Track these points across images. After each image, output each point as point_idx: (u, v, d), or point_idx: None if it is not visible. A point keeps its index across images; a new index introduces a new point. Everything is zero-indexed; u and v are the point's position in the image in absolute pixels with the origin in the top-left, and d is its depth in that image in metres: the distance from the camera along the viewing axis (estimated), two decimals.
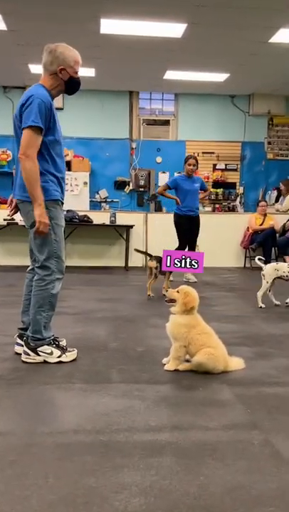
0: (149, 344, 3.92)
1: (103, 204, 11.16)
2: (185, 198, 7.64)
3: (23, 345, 3.46)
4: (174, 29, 7.75)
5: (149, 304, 5.81)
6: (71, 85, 3.44)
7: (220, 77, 10.19)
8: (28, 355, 3.38)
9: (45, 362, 3.35)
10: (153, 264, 6.11)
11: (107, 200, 11.26)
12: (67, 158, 10.91)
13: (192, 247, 7.72)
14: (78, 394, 2.84)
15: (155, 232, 9.59)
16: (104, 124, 11.37)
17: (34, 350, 3.37)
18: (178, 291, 3.36)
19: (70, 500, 1.78)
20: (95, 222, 9.02)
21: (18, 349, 3.53)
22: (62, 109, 11.40)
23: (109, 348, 3.78)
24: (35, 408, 2.65)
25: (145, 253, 7.65)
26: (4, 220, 8.85)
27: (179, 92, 11.54)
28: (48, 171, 3.32)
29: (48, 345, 3.39)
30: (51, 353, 3.38)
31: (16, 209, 3.56)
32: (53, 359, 3.37)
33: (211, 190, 11.76)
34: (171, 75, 10.13)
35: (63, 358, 3.39)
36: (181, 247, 7.53)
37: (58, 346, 3.45)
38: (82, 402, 2.72)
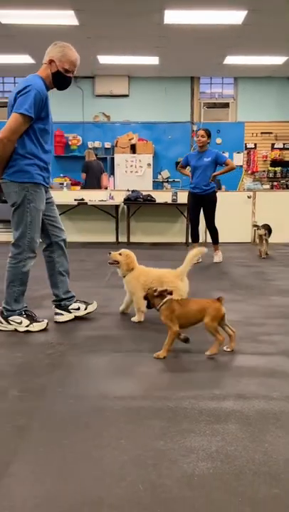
0: None
1: (165, 184, 11.08)
2: (193, 174, 6.77)
3: (63, 314, 3.65)
4: (234, 16, 7.49)
5: (210, 278, 5.71)
6: (57, 79, 3.37)
7: (278, 60, 9.80)
8: (1, 323, 3.46)
9: (15, 330, 3.42)
10: (262, 231, 7.06)
11: (169, 180, 11.17)
12: (132, 142, 10.88)
13: (209, 227, 6.92)
14: (146, 361, 2.83)
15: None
16: (167, 109, 11.24)
17: (6, 320, 3.45)
18: (120, 254, 3.70)
19: (140, 462, 1.77)
20: (157, 201, 8.95)
21: (57, 318, 3.66)
22: (127, 96, 11.34)
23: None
24: (106, 374, 2.66)
25: (254, 225, 7.73)
26: (75, 200, 8.97)
27: (238, 76, 11.18)
28: (35, 155, 3.31)
29: (18, 315, 3.44)
30: (20, 323, 3.43)
31: None
32: (21, 328, 3.42)
33: (270, 168, 11.36)
34: (230, 59, 9.83)
35: (31, 328, 3.42)
36: (191, 226, 7.06)
37: (27, 316, 3.48)
38: (149, 370, 2.71)
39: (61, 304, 3.67)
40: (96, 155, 10.45)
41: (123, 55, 9.64)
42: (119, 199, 9.05)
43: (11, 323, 3.43)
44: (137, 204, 8.87)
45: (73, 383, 2.51)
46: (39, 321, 3.48)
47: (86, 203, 8.89)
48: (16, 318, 3.43)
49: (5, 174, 3.30)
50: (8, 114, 3.28)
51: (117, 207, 9.14)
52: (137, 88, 11.26)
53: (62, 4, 7.10)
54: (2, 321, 3.45)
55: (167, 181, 11.12)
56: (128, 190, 9.06)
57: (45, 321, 3.51)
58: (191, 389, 2.43)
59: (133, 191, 8.97)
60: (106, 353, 2.99)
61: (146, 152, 10.75)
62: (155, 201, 8.94)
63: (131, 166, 10.70)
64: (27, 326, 3.42)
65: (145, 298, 3.09)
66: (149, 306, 3.07)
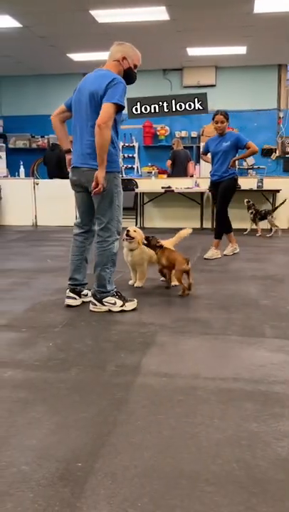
0: None
1: (250, 171, 10.75)
2: (212, 160, 5.88)
3: (76, 298, 3.63)
4: None
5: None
6: (129, 74, 3.42)
7: None
8: (96, 305, 3.46)
9: (109, 311, 3.43)
10: None
11: (254, 166, 10.83)
12: None
13: (216, 213, 6.03)
14: (235, 345, 2.78)
15: None
16: (254, 97, 10.87)
17: (100, 301, 3.45)
18: (135, 231, 3.98)
19: (234, 441, 1.74)
20: (242, 188, 8.70)
21: (70, 301, 3.62)
22: (214, 85, 11.09)
23: (261, 305, 3.64)
24: (196, 354, 2.65)
25: None
26: (162, 187, 8.98)
27: None
28: (117, 144, 3.38)
29: (111, 296, 3.45)
30: (114, 303, 3.44)
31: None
32: (116, 308, 3.44)
33: None
34: None
35: (126, 307, 3.45)
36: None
37: (120, 297, 3.48)
38: (239, 353, 2.66)
39: (76, 288, 3.66)
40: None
41: (211, 47, 9.41)
42: (204, 186, 8.92)
43: (106, 304, 3.46)
44: None
45: (165, 362, 2.52)
46: (131, 301, 3.52)
47: (173, 191, 8.88)
48: (110, 299, 3.46)
49: (93, 163, 3.28)
50: (80, 102, 3.31)
51: (202, 194, 9.02)
52: (223, 78, 10.97)
53: (155, 1, 7.04)
54: (96, 303, 3.48)
55: (252, 168, 10.79)
56: None
57: (135, 300, 3.55)
58: (281, 374, 2.34)
59: None
60: (195, 334, 2.97)
61: None
62: (240, 188, 8.68)
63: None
64: (121, 306, 3.45)
65: (147, 242, 4.03)
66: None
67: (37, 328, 3.08)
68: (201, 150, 6.37)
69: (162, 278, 4.33)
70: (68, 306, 3.60)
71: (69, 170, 3.56)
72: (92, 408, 2.00)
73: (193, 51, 9.68)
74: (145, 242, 4.03)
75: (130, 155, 11.55)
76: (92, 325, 3.17)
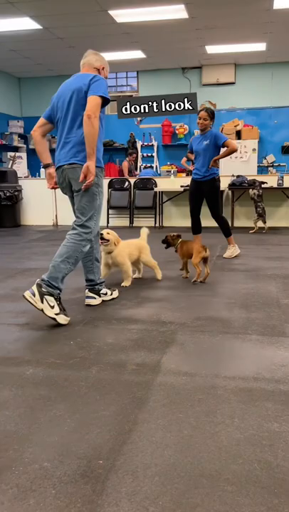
0: None
1: (270, 168, 10.64)
2: (195, 159, 5.74)
3: (95, 298, 3.62)
4: None
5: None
6: None
7: None
8: (34, 296, 3.02)
9: (42, 311, 3.05)
10: None
11: (274, 164, 10.71)
12: (238, 128, 10.56)
13: (214, 217, 5.73)
14: (255, 344, 2.76)
15: None
16: (274, 94, 10.74)
17: (42, 295, 3.03)
18: (108, 233, 3.98)
19: (255, 441, 1.72)
20: (265, 186, 8.62)
21: (90, 301, 3.61)
22: (233, 83, 11.03)
23: (282, 304, 3.60)
24: (216, 354, 2.64)
25: None
26: (181, 186, 8.96)
27: None
28: (100, 140, 3.28)
29: (54, 298, 3.09)
30: (52, 307, 3.07)
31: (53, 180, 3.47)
32: (50, 312, 3.06)
33: None
34: None
35: (58, 318, 3.10)
36: (191, 214, 5.89)
37: (60, 304, 3.15)
38: (260, 352, 2.63)
39: (95, 288, 3.65)
40: None
41: (230, 44, 9.34)
42: (223, 184, 8.86)
43: (44, 302, 3.04)
44: (242, 189, 8.64)
45: (185, 361, 2.52)
46: (66, 315, 3.17)
47: None
48: (51, 300, 3.07)
49: (76, 159, 3.22)
50: (73, 104, 3.21)
51: (221, 192, 8.97)
52: (243, 75, 10.88)
53: None
54: (35, 293, 3.02)
55: (272, 166, 10.68)
56: (233, 176, 8.85)
57: (69, 318, 3.19)
58: None
59: (238, 176, 8.74)
60: (215, 333, 2.96)
61: (252, 138, 10.37)
62: (266, 184, 8.58)
63: (235, 151, 10.39)
64: (56, 314, 3.09)
65: (165, 241, 4.53)
66: (168, 246, 4.55)
67: (58, 327, 3.11)
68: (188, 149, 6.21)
69: (184, 275, 4.56)
70: (88, 305, 3.62)
71: (48, 184, 3.50)
72: (112, 406, 2.01)
73: (212, 49, 9.63)
74: (167, 241, 4.44)
75: (149, 154, 11.55)
76: (112, 323, 3.18)
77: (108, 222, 9.60)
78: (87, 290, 3.67)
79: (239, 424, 1.84)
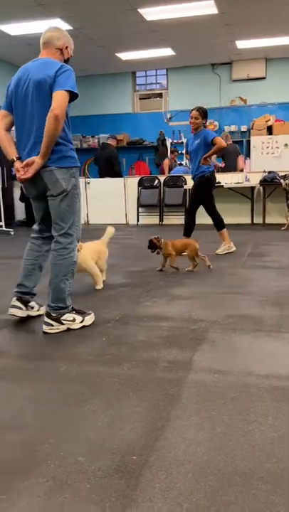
0: None
1: None
2: (190, 159, 5.80)
3: (21, 308, 3.17)
4: None
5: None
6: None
7: None
8: (52, 325, 2.98)
9: (68, 330, 2.99)
10: None
11: None
12: (269, 123, 10.41)
13: (208, 213, 5.74)
14: (286, 343, 2.72)
15: None
16: None
17: (58, 320, 2.98)
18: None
19: None
20: None
21: (15, 311, 3.16)
22: (264, 78, 10.88)
23: None
24: (248, 352, 2.61)
25: None
26: None
27: None
28: (70, 139, 3.01)
29: (69, 313, 3.03)
30: (74, 320, 3.02)
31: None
32: (76, 325, 3.03)
33: None
34: None
35: (86, 322, 3.07)
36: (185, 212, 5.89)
37: (77, 312, 3.08)
38: None
39: (24, 297, 3.20)
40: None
41: (261, 38, 9.20)
42: (255, 181, 8.76)
43: (64, 322, 3.00)
44: (274, 185, 8.51)
45: (217, 358, 2.51)
46: (89, 313, 3.16)
47: (222, 186, 8.77)
48: (68, 316, 3.02)
49: (48, 161, 2.89)
50: (36, 99, 2.86)
51: (252, 189, 8.87)
52: (274, 69, 10.71)
53: None
54: (52, 323, 2.98)
55: None
56: (264, 172, 8.73)
57: (92, 313, 3.19)
58: None
59: (269, 172, 8.62)
60: (247, 331, 2.93)
61: (283, 133, 10.20)
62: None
63: (267, 147, 10.25)
64: (81, 322, 3.07)
65: (151, 246, 4.72)
66: (153, 249, 4.73)
67: (91, 324, 3.14)
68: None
69: (189, 268, 4.80)
70: (13, 315, 3.17)
71: (22, 173, 2.97)
72: (145, 403, 2.02)
73: (242, 44, 9.53)
74: (154, 244, 4.67)
75: (179, 152, 11.52)
76: (143, 321, 3.20)
77: (138, 221, 9.63)
78: (14, 298, 3.19)
79: (273, 423, 1.82)
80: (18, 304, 3.17)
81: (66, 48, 3.06)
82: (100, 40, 9.07)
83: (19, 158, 2.98)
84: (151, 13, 7.70)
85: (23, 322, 3.23)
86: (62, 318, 3.00)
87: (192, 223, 5.81)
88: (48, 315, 2.99)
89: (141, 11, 7.54)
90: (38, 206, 3.16)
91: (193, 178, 5.73)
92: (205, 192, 5.67)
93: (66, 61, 3.07)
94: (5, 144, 3.03)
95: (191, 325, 3.07)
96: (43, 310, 3.28)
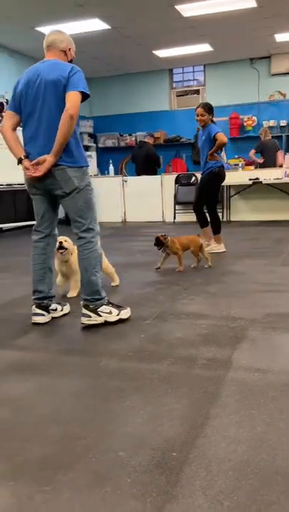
0: None
1: None
2: (199, 155, 5.76)
3: (44, 315, 3.18)
4: None
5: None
6: None
7: None
8: (89, 317, 3.04)
9: (106, 322, 3.06)
10: None
11: None
12: None
13: (208, 209, 5.75)
14: None
15: None
16: None
17: (95, 311, 3.05)
18: (66, 241, 3.71)
19: None
20: None
21: (38, 319, 3.17)
22: None
23: None
24: (288, 351, 2.57)
25: None
26: (249, 179, 8.77)
27: None
28: (79, 139, 3.06)
29: (106, 305, 3.08)
30: (110, 313, 3.08)
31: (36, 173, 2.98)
32: (113, 318, 3.08)
33: None
34: None
35: (122, 315, 3.12)
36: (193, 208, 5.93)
37: (113, 305, 3.14)
38: None
39: (43, 302, 3.20)
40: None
41: None
42: None
43: (101, 314, 3.07)
44: None
45: (257, 357, 2.47)
46: (124, 308, 3.20)
47: (260, 182, 8.63)
48: (105, 308, 3.08)
49: (60, 160, 2.94)
50: (53, 98, 2.91)
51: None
52: None
53: None
54: (90, 314, 3.05)
55: None
56: None
57: (128, 308, 3.23)
58: None
59: None
60: (287, 330, 2.88)
61: None
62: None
63: None
64: (118, 315, 3.12)
65: (158, 243, 4.64)
66: (160, 247, 4.66)
67: (129, 320, 3.17)
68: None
69: (194, 265, 4.83)
70: (36, 324, 3.17)
71: (31, 171, 2.99)
72: (184, 400, 2.02)
73: (281, 37, 9.32)
74: (161, 242, 4.60)
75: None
76: (181, 318, 3.19)
77: (175, 218, 9.61)
78: (34, 306, 3.21)
79: None
80: (39, 310, 3.20)
81: (69, 49, 3.13)
82: (138, 39, 9.09)
83: (27, 157, 3.03)
84: (188, 10, 7.65)
85: (59, 319, 3.29)
86: (99, 309, 3.06)
87: (204, 219, 5.80)
88: (86, 306, 3.06)
89: (178, 7, 7.50)
90: (40, 205, 3.17)
91: (202, 174, 5.71)
92: (211, 188, 5.65)
93: (70, 62, 3.13)
94: (12, 143, 3.07)
95: (230, 323, 3.04)
96: (66, 309, 3.39)
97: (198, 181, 5.81)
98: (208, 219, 5.79)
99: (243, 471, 1.52)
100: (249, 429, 1.77)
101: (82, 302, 3.10)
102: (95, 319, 3.05)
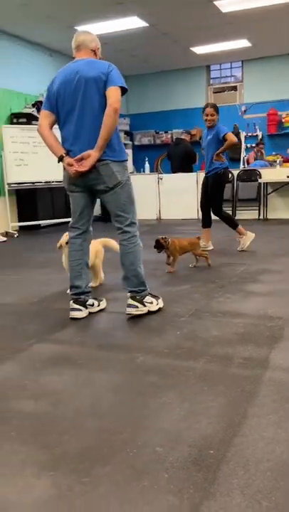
0: None
1: None
2: (205, 154, 5.65)
3: (81, 310, 3.21)
4: None
5: None
6: None
7: None
8: (137, 307, 3.17)
9: (148, 312, 3.21)
10: None
11: None
12: None
13: (214, 212, 5.65)
14: None
15: None
16: None
17: (141, 302, 3.19)
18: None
19: None
20: None
21: (76, 314, 3.21)
22: None
23: None
24: None
25: None
26: (287, 176, 8.59)
27: None
28: (119, 134, 3.12)
29: (149, 295, 3.24)
30: (152, 303, 3.23)
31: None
32: (154, 307, 3.25)
33: None
34: None
35: (160, 305, 3.31)
36: (200, 208, 5.85)
37: (153, 295, 3.29)
38: None
39: (80, 298, 3.25)
40: None
41: None
42: None
43: (146, 304, 3.21)
44: None
45: None
46: (158, 297, 3.36)
47: None
48: (148, 298, 3.24)
49: (103, 155, 2.99)
50: (96, 94, 2.97)
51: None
52: None
53: None
54: (138, 304, 3.18)
55: None
56: None
57: (160, 297, 3.37)
58: None
59: None
60: None
61: None
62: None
63: None
64: (157, 304, 3.29)
65: (158, 246, 4.56)
66: (160, 249, 4.57)
67: (165, 317, 3.17)
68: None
69: (193, 264, 4.85)
70: (73, 319, 3.22)
71: (76, 167, 3.02)
72: (220, 398, 2.01)
73: None
74: (161, 244, 4.53)
75: (252, 145, 11.24)
76: (217, 316, 3.17)
77: None
78: (71, 301, 3.26)
79: None
80: (77, 305, 3.25)
81: (98, 49, 3.20)
82: (175, 36, 9.04)
83: (67, 154, 3.07)
84: (227, 5, 7.54)
85: (96, 314, 3.33)
86: (144, 300, 3.21)
87: (209, 219, 5.79)
88: (133, 298, 3.19)
89: (217, 3, 7.42)
90: (79, 202, 3.21)
91: (206, 174, 5.65)
92: (217, 192, 5.60)
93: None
94: (51, 141, 3.11)
95: (267, 322, 3.00)
96: (103, 304, 3.44)
97: (203, 181, 5.74)
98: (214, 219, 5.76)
99: (282, 472, 1.50)
100: (287, 430, 1.74)
101: (128, 294, 3.21)
102: (142, 309, 3.19)
